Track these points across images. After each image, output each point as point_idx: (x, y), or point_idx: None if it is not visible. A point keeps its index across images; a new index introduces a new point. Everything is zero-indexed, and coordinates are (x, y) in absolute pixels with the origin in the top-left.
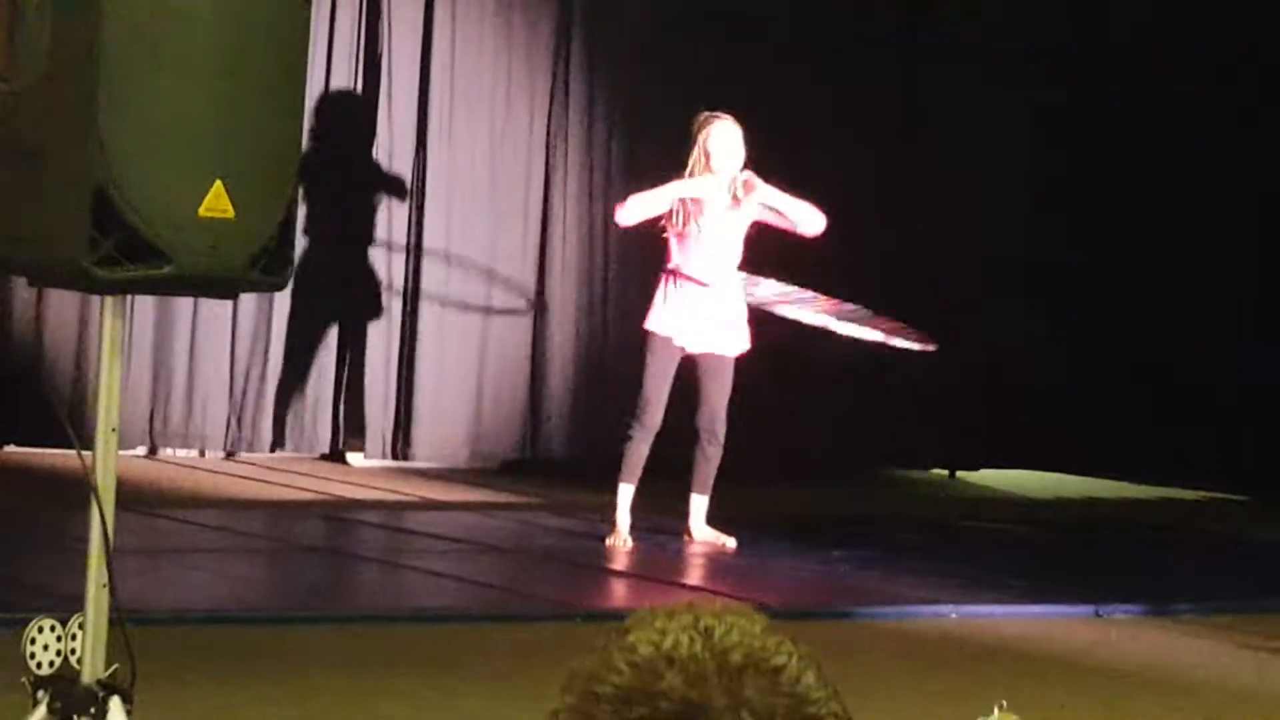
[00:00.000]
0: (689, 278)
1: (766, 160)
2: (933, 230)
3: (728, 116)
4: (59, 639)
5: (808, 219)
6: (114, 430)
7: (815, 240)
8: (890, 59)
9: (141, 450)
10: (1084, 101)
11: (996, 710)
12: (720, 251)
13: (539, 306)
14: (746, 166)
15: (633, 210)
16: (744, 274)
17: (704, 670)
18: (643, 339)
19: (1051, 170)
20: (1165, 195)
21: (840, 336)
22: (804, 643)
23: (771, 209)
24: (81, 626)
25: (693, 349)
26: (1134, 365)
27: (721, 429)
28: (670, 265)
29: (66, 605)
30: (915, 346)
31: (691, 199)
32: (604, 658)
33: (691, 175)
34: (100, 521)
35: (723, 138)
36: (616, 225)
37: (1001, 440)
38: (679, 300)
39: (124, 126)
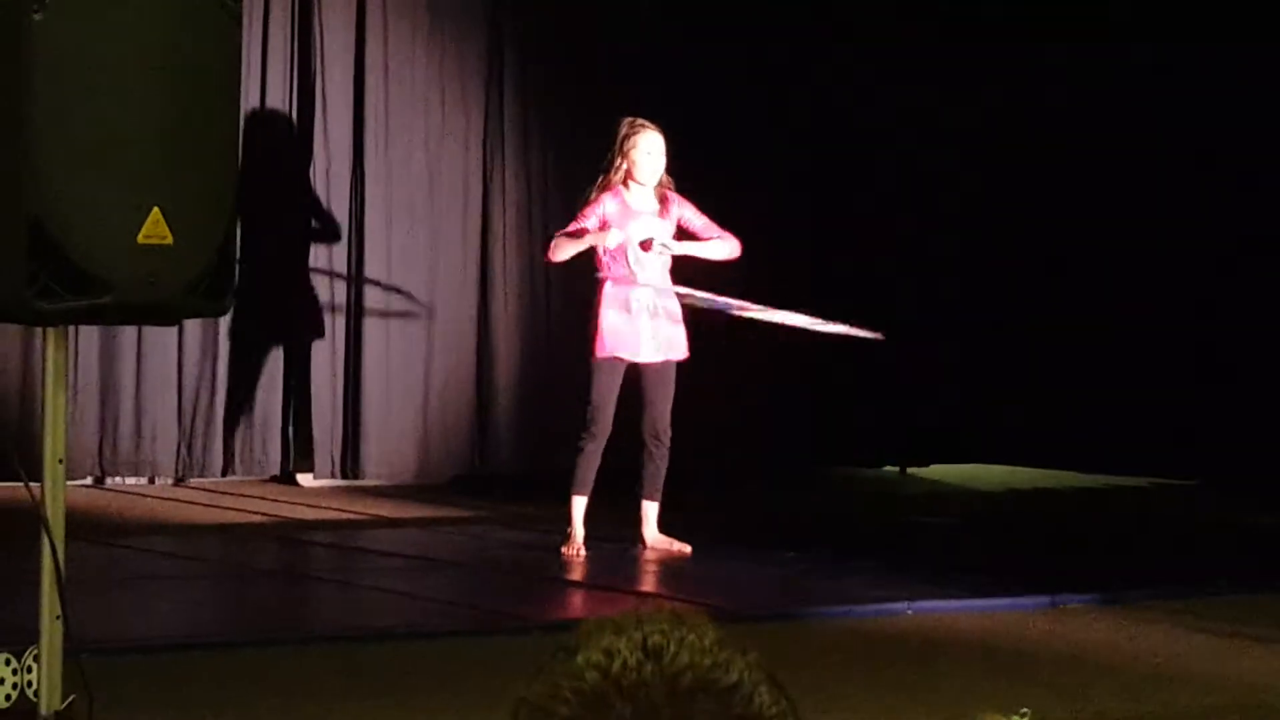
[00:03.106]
0: (622, 284)
1: (695, 171)
2: (881, 228)
3: (652, 126)
4: (14, 672)
5: (722, 255)
6: (61, 461)
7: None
8: (825, 68)
9: (89, 480)
10: (1032, 100)
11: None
12: (649, 258)
13: (482, 320)
14: (668, 173)
15: (558, 252)
16: (677, 287)
17: (654, 698)
18: (587, 361)
19: (999, 167)
20: (1109, 188)
21: (788, 334)
22: (756, 651)
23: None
24: (36, 659)
25: (636, 359)
26: (1079, 355)
27: (666, 434)
28: (602, 276)
29: (21, 638)
30: (862, 334)
31: (619, 209)
32: (551, 685)
33: (611, 181)
34: (51, 553)
35: (647, 148)
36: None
37: (950, 435)
38: (616, 316)
39: (59, 157)
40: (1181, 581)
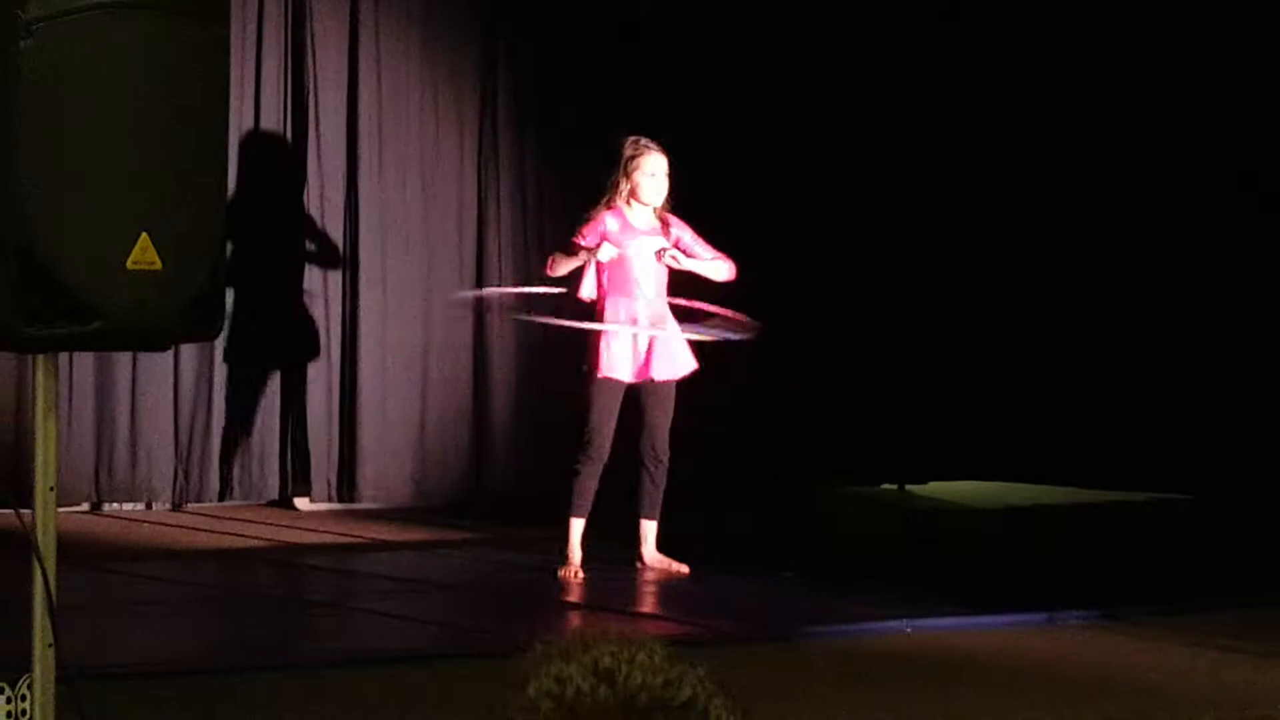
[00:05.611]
0: (620, 300)
1: (686, 191)
2: (872, 244)
3: (656, 147)
4: (8, 700)
5: (721, 276)
6: (53, 489)
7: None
8: (818, 76)
9: (85, 506)
10: (1008, 114)
11: None
12: (648, 276)
13: (478, 342)
14: (670, 197)
15: (555, 267)
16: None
17: None
18: (586, 381)
19: (988, 183)
20: (1102, 203)
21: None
22: (704, 665)
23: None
24: (30, 687)
25: (638, 379)
26: (1077, 371)
27: (665, 454)
28: (601, 294)
29: (18, 665)
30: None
31: (619, 227)
32: None
33: (613, 200)
34: (43, 580)
35: (650, 170)
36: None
37: (949, 452)
38: (614, 336)
39: (46, 184)
40: (1178, 597)
